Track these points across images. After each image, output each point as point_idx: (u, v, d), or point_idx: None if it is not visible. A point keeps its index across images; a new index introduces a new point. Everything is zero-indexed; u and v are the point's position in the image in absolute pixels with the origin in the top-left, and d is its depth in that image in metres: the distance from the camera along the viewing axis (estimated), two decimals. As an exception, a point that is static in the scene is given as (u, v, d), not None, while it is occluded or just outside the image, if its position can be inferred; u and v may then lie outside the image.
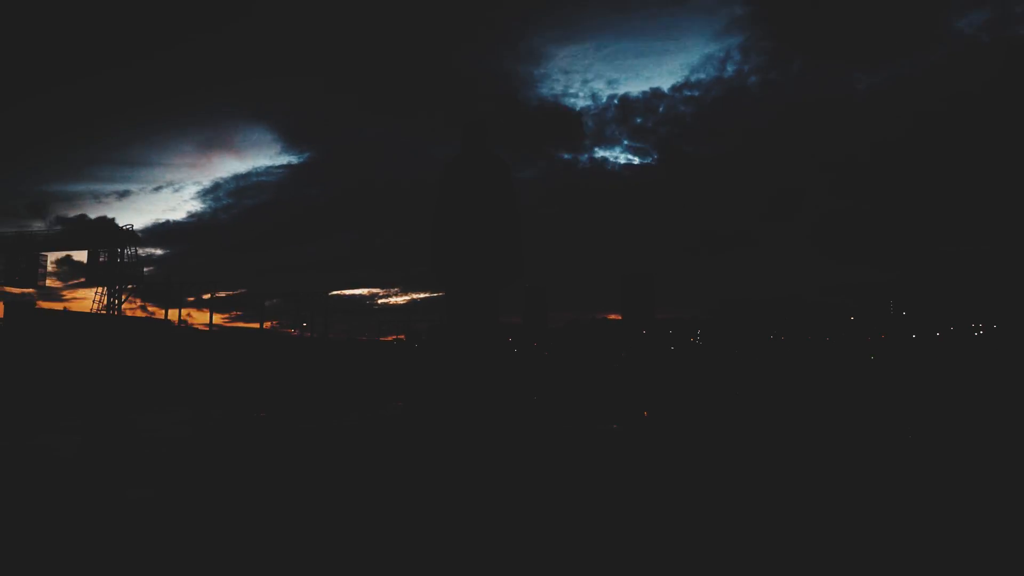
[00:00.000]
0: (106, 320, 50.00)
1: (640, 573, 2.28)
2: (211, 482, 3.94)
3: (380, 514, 3.08)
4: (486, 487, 3.71)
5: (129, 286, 57.75)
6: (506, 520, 2.95)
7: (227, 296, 77.85)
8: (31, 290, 58.57)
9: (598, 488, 3.70)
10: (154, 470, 4.36)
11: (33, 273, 57.07)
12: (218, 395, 12.22)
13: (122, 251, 57.04)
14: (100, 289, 57.24)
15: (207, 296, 69.81)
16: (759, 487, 3.80)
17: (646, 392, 15.40)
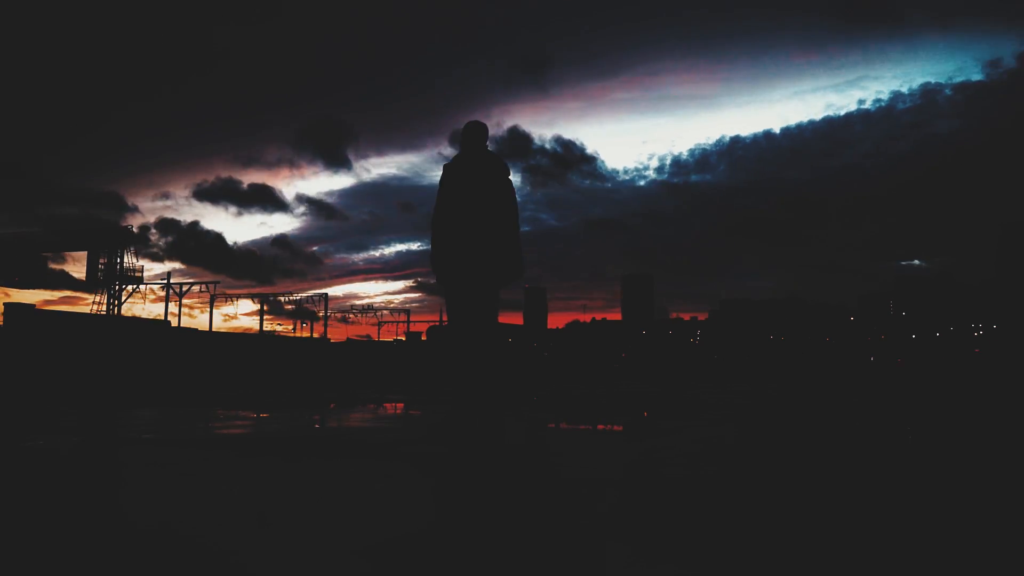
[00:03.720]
0: (105, 321, 49.99)
1: (643, 573, 2.24)
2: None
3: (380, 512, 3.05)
4: (483, 487, 3.68)
5: (129, 287, 57.69)
6: (504, 520, 2.91)
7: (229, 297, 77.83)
8: (31, 291, 58.44)
9: (600, 488, 3.66)
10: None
11: (33, 275, 56.97)
12: (217, 394, 12.18)
13: (122, 252, 56.94)
14: (99, 290, 57.14)
15: (205, 293, 69.97)
16: (761, 486, 3.77)
17: (646, 392, 15.38)
